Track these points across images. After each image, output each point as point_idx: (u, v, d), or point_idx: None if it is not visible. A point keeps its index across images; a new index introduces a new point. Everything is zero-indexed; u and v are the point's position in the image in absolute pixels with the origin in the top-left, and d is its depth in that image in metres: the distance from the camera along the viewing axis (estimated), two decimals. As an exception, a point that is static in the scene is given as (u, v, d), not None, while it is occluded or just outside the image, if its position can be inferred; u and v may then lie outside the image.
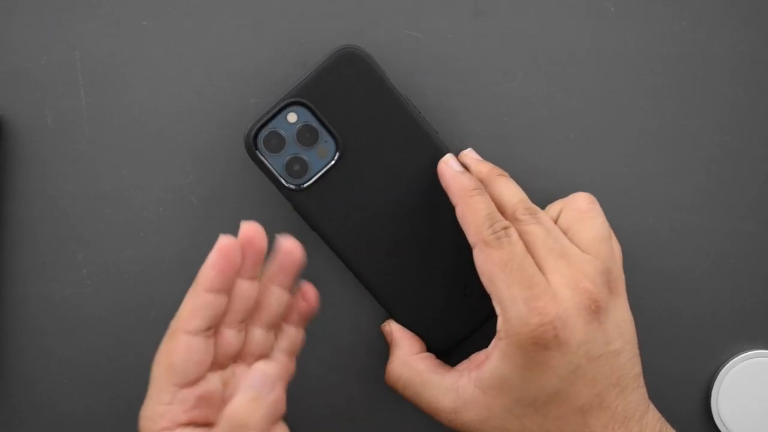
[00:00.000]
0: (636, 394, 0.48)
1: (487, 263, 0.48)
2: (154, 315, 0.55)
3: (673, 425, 0.51)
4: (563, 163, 0.55)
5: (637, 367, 0.49)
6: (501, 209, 0.50)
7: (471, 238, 0.49)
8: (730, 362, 0.55)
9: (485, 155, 0.55)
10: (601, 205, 0.55)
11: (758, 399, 0.55)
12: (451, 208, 0.51)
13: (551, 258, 0.48)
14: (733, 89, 0.55)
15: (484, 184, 0.51)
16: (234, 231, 0.55)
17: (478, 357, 0.50)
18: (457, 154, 0.53)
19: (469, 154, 0.53)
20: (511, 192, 0.51)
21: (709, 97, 0.55)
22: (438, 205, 0.52)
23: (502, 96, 0.55)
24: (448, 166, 0.51)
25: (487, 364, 0.48)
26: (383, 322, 0.54)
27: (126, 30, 0.54)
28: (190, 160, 0.55)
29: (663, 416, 0.50)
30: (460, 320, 0.53)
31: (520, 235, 0.49)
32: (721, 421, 0.55)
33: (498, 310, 0.48)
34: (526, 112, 0.55)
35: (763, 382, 0.55)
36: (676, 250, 0.55)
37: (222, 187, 0.55)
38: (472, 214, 0.49)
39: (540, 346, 0.46)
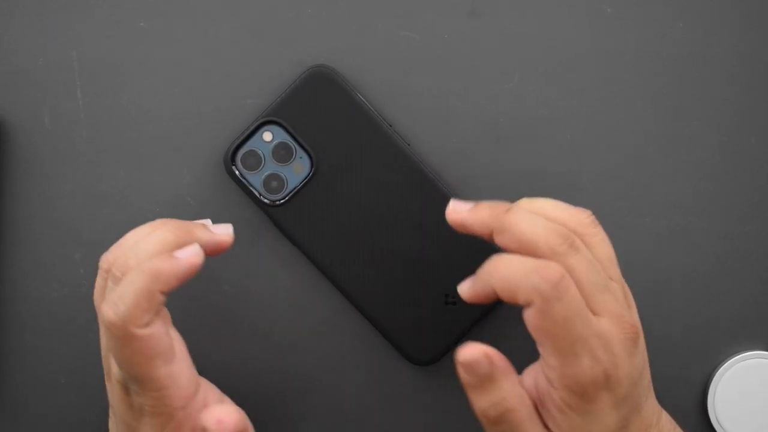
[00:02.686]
0: (651, 401, 0.48)
1: (547, 321, 0.43)
2: (151, 315, 0.55)
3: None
4: (560, 164, 0.55)
5: (649, 374, 0.48)
6: (531, 248, 0.45)
7: (524, 301, 0.44)
8: (727, 363, 0.55)
9: (481, 156, 0.55)
10: (599, 206, 0.55)
11: (755, 400, 0.55)
12: (426, 218, 0.53)
13: (598, 294, 0.45)
14: (730, 89, 0.55)
15: (500, 229, 0.46)
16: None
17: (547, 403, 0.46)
18: (433, 160, 0.54)
19: (458, 208, 0.48)
20: (533, 225, 0.45)
21: (707, 98, 0.55)
22: (414, 215, 0.53)
23: (498, 97, 0.55)
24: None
25: (555, 415, 0.45)
26: (470, 350, 0.44)
27: (123, 31, 0.55)
28: (187, 161, 0.55)
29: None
30: (444, 329, 0.53)
31: None
32: (718, 422, 0.55)
33: (553, 364, 0.44)
34: (523, 113, 0.55)
35: (759, 383, 0.55)
36: (674, 251, 0.55)
37: (218, 187, 0.55)
38: (514, 278, 0.44)
39: (598, 390, 0.44)
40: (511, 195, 0.55)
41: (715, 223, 0.55)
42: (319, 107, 0.53)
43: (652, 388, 0.49)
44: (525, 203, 0.48)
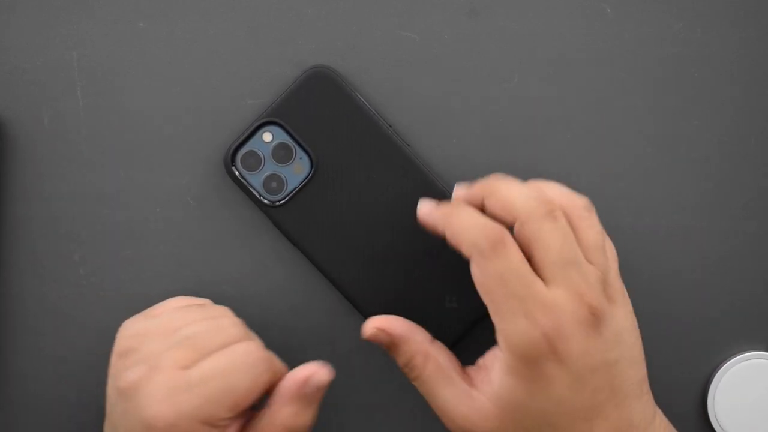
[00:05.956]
0: (640, 402, 0.48)
1: (483, 276, 0.46)
2: (150, 315, 0.55)
3: (669, 426, 0.51)
4: (560, 164, 0.55)
5: (639, 374, 0.48)
6: (510, 211, 0.47)
7: (465, 252, 0.47)
8: (727, 363, 0.55)
9: (481, 155, 0.55)
10: (598, 206, 0.55)
11: (755, 400, 0.55)
12: None
13: (562, 266, 0.46)
14: (730, 90, 0.55)
15: (487, 196, 0.48)
16: (228, 231, 0.55)
17: (485, 365, 0.49)
18: (434, 160, 0.54)
19: (458, 190, 0.51)
20: (517, 192, 0.47)
21: (707, 98, 0.55)
22: (414, 216, 0.53)
23: (498, 97, 0.55)
24: (421, 210, 0.50)
25: (495, 378, 0.47)
26: (368, 327, 0.49)
27: (123, 31, 0.55)
28: (187, 161, 0.55)
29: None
30: (443, 330, 0.53)
31: (533, 235, 0.46)
32: (717, 423, 0.55)
33: (496, 323, 0.46)
34: (523, 113, 0.55)
35: (759, 383, 0.55)
36: (673, 251, 0.55)
37: (218, 187, 0.55)
38: (461, 229, 0.47)
39: (541, 358, 0.45)
40: (511, 195, 0.55)
41: (714, 223, 0.55)
42: (319, 108, 0.53)
43: (646, 390, 0.49)
44: (530, 182, 0.50)
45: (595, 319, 0.46)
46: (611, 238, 0.54)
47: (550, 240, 0.46)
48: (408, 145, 0.54)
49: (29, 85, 0.55)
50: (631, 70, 0.55)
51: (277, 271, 0.55)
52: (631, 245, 0.55)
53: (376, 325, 0.49)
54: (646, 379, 0.49)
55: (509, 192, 0.48)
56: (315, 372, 0.47)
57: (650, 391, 0.49)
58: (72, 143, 0.55)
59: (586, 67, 0.55)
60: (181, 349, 0.46)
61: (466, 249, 0.46)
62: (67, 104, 0.55)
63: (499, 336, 0.46)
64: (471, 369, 0.50)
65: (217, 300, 0.54)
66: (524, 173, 0.55)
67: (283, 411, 0.47)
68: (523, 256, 0.46)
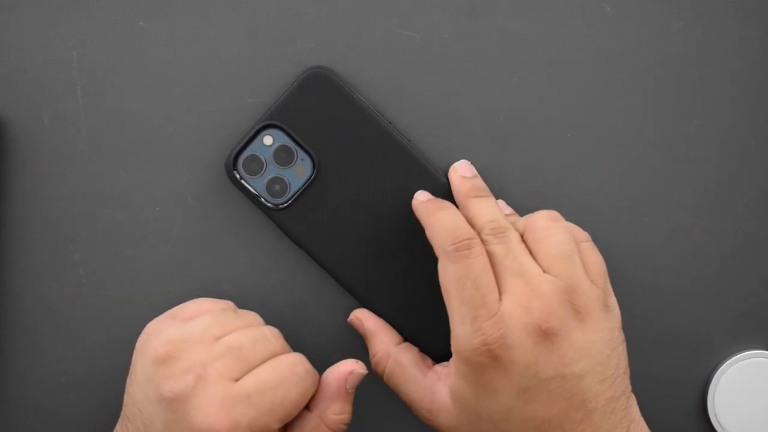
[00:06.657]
0: (608, 420, 0.47)
1: (444, 277, 0.48)
2: (151, 315, 0.55)
3: (668, 425, 0.51)
4: (559, 164, 0.55)
5: (611, 391, 0.47)
6: (475, 227, 0.50)
7: (435, 250, 0.49)
8: (727, 362, 0.55)
9: (481, 155, 0.55)
10: (598, 206, 0.55)
11: (755, 399, 0.55)
12: None
13: (507, 277, 0.47)
14: (730, 90, 0.55)
15: (461, 206, 0.51)
16: (228, 231, 0.55)
17: (449, 364, 0.50)
18: (434, 158, 0.54)
19: (459, 170, 0.53)
20: (482, 212, 0.50)
21: (707, 98, 0.55)
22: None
23: (498, 96, 0.55)
24: (416, 199, 0.52)
25: (451, 377, 0.49)
26: (351, 314, 0.54)
27: (123, 31, 0.55)
28: (187, 160, 0.55)
29: (659, 417, 0.50)
30: (449, 329, 0.53)
31: (486, 249, 0.49)
32: (717, 421, 0.55)
33: (450, 325, 0.48)
34: (523, 113, 0.55)
35: (759, 382, 0.55)
36: (673, 250, 0.55)
37: (218, 187, 0.55)
38: (436, 228, 0.49)
39: (483, 365, 0.46)
40: (511, 194, 0.55)
41: (715, 223, 0.55)
42: (318, 109, 0.53)
43: (620, 409, 0.47)
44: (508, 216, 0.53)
45: (546, 329, 0.46)
46: (611, 239, 0.54)
47: (496, 253, 0.48)
48: (409, 140, 0.54)
49: (29, 85, 0.55)
50: (631, 70, 0.55)
51: (277, 270, 0.55)
52: (631, 245, 0.55)
53: (356, 314, 0.54)
54: (624, 397, 0.48)
55: (474, 210, 0.51)
56: (354, 366, 0.49)
57: (628, 411, 0.48)
58: (72, 143, 0.55)
59: (586, 67, 0.55)
60: (228, 359, 0.47)
61: (435, 248, 0.49)
62: (67, 104, 0.55)
63: (451, 338, 0.48)
64: (439, 365, 0.52)
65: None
66: (524, 173, 0.55)
67: (330, 410, 0.49)
68: (489, 266, 0.48)
